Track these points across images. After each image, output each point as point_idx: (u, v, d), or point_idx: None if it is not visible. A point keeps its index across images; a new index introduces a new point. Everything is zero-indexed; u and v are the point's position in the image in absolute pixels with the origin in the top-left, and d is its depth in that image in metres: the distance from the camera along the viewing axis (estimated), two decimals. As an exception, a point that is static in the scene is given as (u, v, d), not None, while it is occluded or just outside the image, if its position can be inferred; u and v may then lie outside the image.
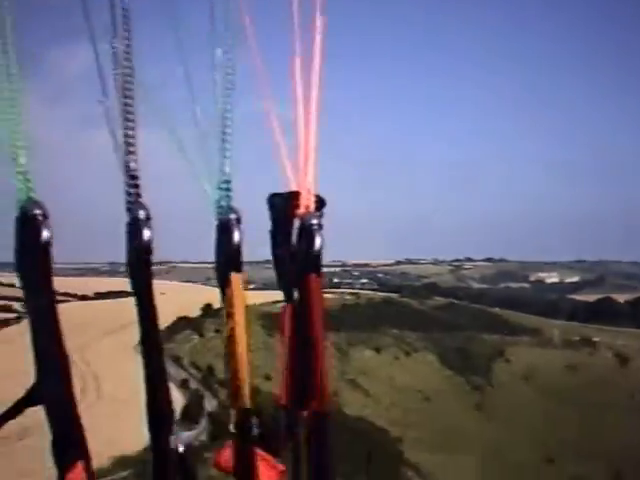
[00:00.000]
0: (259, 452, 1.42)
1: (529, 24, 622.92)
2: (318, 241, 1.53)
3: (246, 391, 1.40)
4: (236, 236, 1.44)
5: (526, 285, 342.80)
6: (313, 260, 1.54)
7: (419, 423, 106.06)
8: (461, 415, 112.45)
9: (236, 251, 1.46)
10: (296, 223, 1.55)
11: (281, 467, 1.43)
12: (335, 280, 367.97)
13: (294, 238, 1.54)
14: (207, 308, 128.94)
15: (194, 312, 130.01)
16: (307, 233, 1.54)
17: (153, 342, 1.44)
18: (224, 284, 1.45)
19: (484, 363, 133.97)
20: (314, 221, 1.56)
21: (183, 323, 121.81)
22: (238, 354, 1.39)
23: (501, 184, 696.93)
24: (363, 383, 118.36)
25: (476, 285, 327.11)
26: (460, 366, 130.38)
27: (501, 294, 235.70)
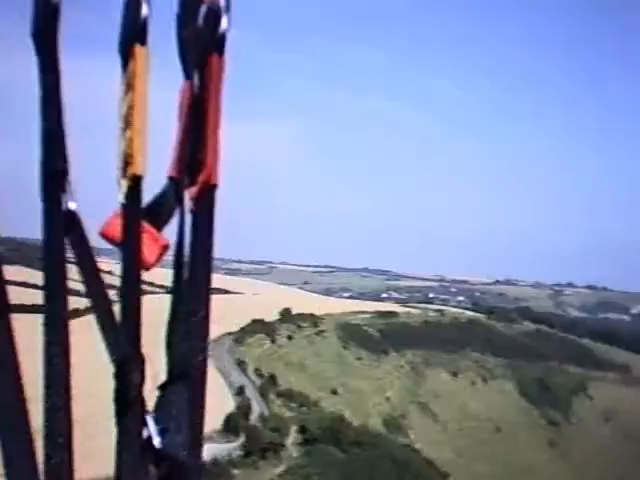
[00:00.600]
0: (144, 224, 1.37)
1: None
2: (225, 21, 1.45)
3: (140, 159, 1.30)
4: (144, 7, 1.30)
5: (626, 317, 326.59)
6: (218, 41, 1.45)
7: (484, 455, 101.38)
8: (532, 451, 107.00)
9: (144, 23, 1.32)
10: (203, 9, 1.45)
11: (163, 241, 1.40)
12: (430, 295, 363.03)
13: (200, 20, 1.44)
14: (285, 313, 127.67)
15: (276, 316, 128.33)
16: (215, 13, 1.44)
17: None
18: (127, 57, 1.31)
19: (564, 397, 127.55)
20: (222, 2, 1.46)
21: (258, 326, 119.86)
22: (135, 123, 1.28)
23: (613, 209, 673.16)
24: (434, 407, 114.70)
25: (574, 313, 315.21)
26: (538, 398, 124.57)
27: (596, 325, 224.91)
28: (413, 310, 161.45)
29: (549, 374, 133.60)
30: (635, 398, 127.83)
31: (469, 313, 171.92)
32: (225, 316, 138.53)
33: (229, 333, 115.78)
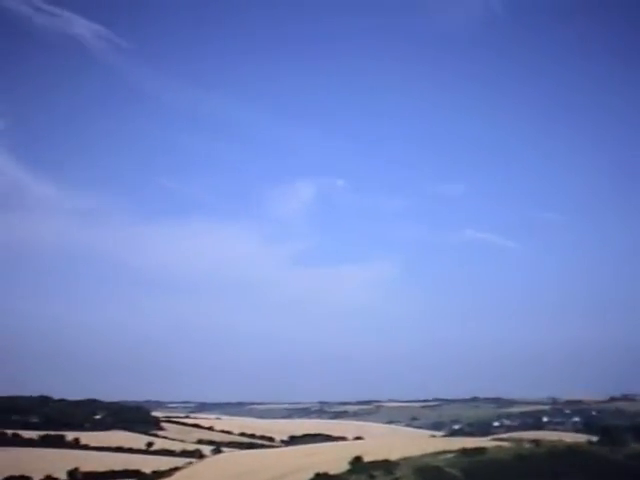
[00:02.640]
0: None
1: None
2: None
3: None
4: None
5: None
6: None
7: None
8: None
9: None
10: None
11: None
12: (544, 419, 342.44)
13: None
14: (355, 462, 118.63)
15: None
16: None
17: None
18: None
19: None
20: None
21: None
22: None
23: None
24: None
25: None
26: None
27: None
28: (505, 443, 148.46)
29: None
30: None
31: (569, 440, 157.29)
32: (301, 469, 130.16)
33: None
